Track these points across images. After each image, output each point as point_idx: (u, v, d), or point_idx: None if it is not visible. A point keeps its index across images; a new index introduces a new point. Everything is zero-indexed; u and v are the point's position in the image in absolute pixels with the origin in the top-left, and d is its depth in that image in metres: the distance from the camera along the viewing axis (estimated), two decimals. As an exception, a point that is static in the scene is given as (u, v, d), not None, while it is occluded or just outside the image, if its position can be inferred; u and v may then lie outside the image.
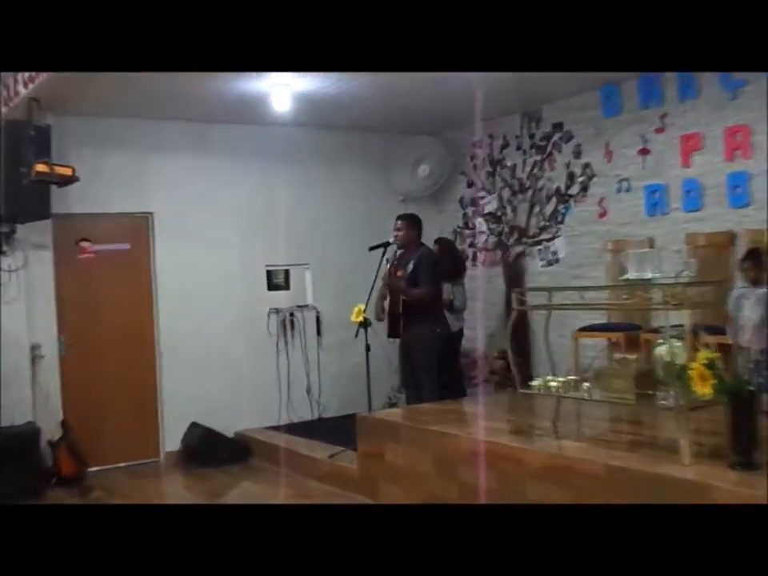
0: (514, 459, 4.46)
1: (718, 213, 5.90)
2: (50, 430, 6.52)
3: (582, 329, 6.26)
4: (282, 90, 6.08)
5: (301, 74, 5.50)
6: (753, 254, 5.07)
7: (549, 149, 7.06)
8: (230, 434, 7.25)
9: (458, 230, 8.00)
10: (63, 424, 6.61)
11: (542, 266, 7.13)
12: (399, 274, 6.21)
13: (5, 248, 6.46)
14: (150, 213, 7.13)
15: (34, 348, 6.61)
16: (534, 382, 5.00)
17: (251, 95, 6.29)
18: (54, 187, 6.03)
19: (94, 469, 6.65)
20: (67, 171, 5.77)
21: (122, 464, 6.97)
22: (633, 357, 4.95)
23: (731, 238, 5.79)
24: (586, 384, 4.71)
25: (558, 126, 6.98)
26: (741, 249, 5.58)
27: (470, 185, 7.78)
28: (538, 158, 7.16)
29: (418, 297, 6.03)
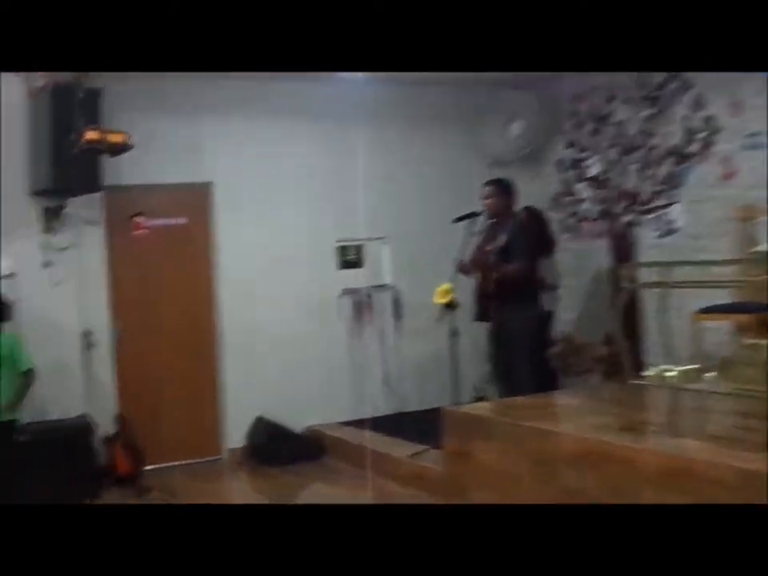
0: (624, 460, 4.34)
1: None
2: (104, 425, 6.68)
3: (704, 310, 6.03)
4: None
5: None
6: None
7: (662, 101, 6.83)
8: (299, 429, 7.33)
9: (556, 197, 7.82)
10: (118, 418, 6.76)
11: (656, 238, 6.91)
12: (489, 248, 6.11)
13: (53, 225, 6.62)
14: (209, 182, 7.20)
15: (86, 335, 6.76)
16: (648, 372, 4.88)
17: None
18: (105, 157, 6.14)
19: (152, 467, 6.78)
20: (120, 138, 5.84)
21: (181, 462, 7.09)
22: (765, 342, 4.79)
23: None
24: (710, 374, 4.58)
25: (673, 75, 6.74)
26: None
27: (570, 145, 7.59)
28: (651, 111, 6.92)
29: (513, 274, 5.91)
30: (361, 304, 7.66)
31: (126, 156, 6.14)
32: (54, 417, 6.51)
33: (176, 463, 7.06)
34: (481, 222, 6.24)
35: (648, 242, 7.00)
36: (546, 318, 6.75)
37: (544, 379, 6.42)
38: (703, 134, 6.45)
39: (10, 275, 6.50)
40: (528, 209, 7.13)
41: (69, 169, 6.00)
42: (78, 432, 6.35)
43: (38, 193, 6.42)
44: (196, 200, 7.22)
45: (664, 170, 6.83)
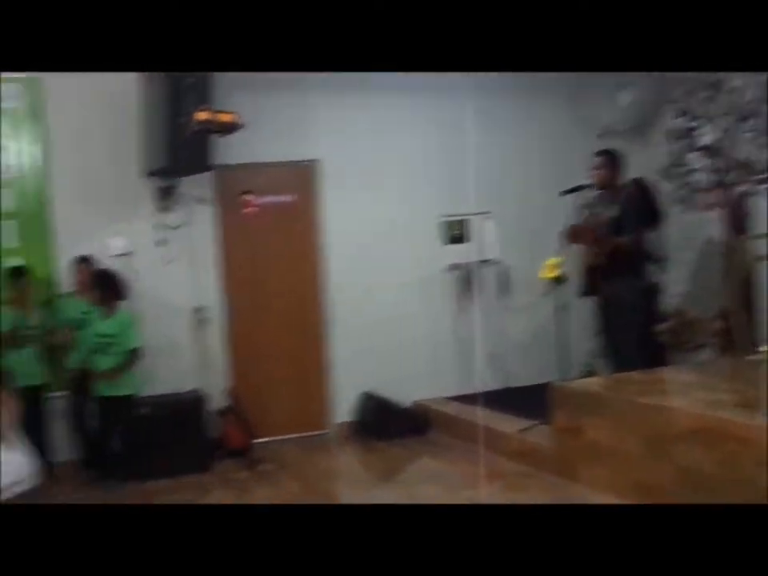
0: (740, 438, 4.21)
1: None
2: (216, 399, 6.82)
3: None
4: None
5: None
6: None
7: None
8: (406, 404, 7.34)
9: (667, 167, 7.58)
10: (229, 392, 6.89)
11: (774, 208, 6.65)
12: (597, 220, 5.97)
13: (167, 204, 6.76)
14: (316, 160, 7.23)
15: (197, 311, 6.89)
16: (764, 347, 4.72)
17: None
18: (215, 136, 6.23)
19: (262, 440, 6.89)
20: (229, 118, 5.92)
21: (289, 435, 7.21)
22: None
23: None
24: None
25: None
26: None
27: (682, 113, 7.33)
28: None
29: (623, 247, 5.76)
30: (466, 279, 7.60)
31: (235, 136, 6.25)
32: (167, 391, 6.69)
33: (285, 437, 7.18)
34: (588, 195, 6.10)
35: (764, 213, 6.74)
36: (655, 290, 6.57)
37: (653, 354, 6.27)
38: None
39: (126, 254, 6.69)
40: (636, 180, 6.94)
41: (181, 149, 6.11)
42: (191, 405, 6.53)
43: (151, 173, 6.56)
44: (303, 178, 7.27)
45: (780, 135, 6.55)
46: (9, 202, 6.48)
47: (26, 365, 6.10)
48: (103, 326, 6.14)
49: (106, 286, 6.31)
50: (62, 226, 6.57)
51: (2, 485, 4.13)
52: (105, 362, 6.25)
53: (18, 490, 4.22)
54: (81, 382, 6.36)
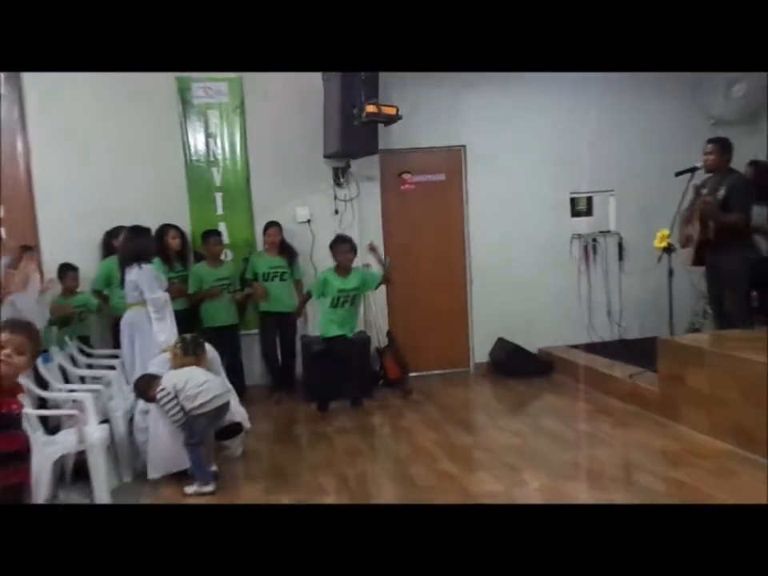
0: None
1: None
2: (378, 339, 7.02)
3: None
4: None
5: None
6: None
7: None
8: (533, 350, 7.33)
9: (774, 152, 7.18)
10: (389, 334, 7.07)
11: None
12: (708, 200, 5.75)
13: (341, 181, 6.96)
14: (463, 146, 7.26)
15: (365, 268, 7.08)
16: None
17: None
18: (380, 125, 6.35)
19: (414, 374, 7.03)
20: (392, 110, 6.03)
21: (436, 371, 7.34)
22: None
23: None
24: None
25: None
26: None
27: (787, 105, 6.92)
28: None
29: (732, 223, 5.53)
30: (588, 247, 7.51)
31: (396, 125, 6.35)
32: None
33: (432, 372, 7.32)
34: (699, 176, 5.88)
35: None
36: (763, 262, 6.27)
37: (760, 316, 6.03)
38: None
39: (308, 221, 6.94)
40: (756, 161, 6.60)
41: (352, 136, 6.26)
42: (359, 344, 6.66)
43: (329, 156, 6.76)
44: (452, 160, 7.30)
45: None
46: (217, 179, 6.84)
47: (221, 310, 6.47)
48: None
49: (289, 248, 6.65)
50: (257, 197, 6.86)
51: (208, 396, 4.46)
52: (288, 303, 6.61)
53: (219, 402, 4.53)
54: (269, 322, 6.68)
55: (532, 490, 4.22)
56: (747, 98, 7.20)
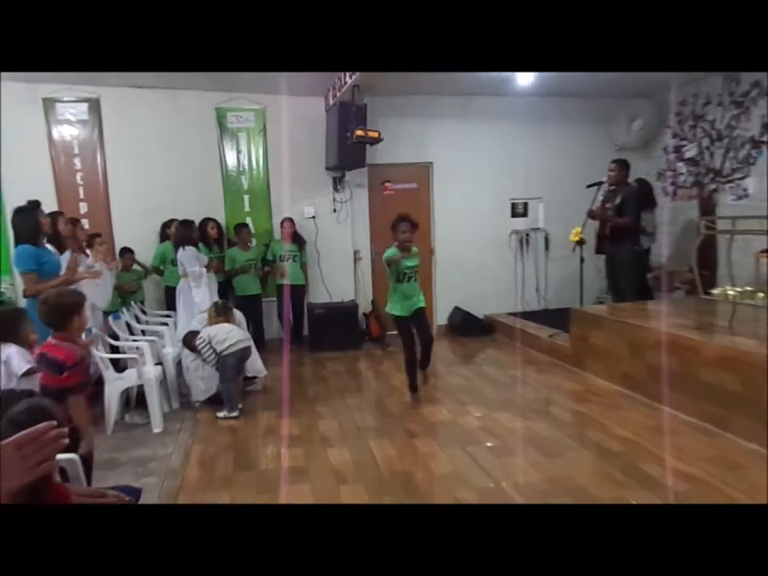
0: (693, 349, 4.12)
1: None
2: (365, 305, 7.08)
3: (765, 250, 5.49)
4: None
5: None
6: None
7: (746, 104, 6.10)
8: (480, 316, 7.38)
9: (662, 172, 7.25)
10: (372, 302, 7.12)
11: (732, 200, 6.29)
12: (608, 206, 5.83)
13: (338, 187, 6.97)
14: (431, 162, 7.26)
15: (356, 253, 7.14)
16: (715, 290, 4.54)
17: (502, 74, 6.09)
18: (367, 146, 6.36)
19: (391, 333, 6.99)
20: (375, 134, 6.03)
21: (409, 331, 7.40)
22: (807, 275, 4.31)
23: None
24: (761, 294, 4.20)
25: (755, 84, 5.98)
26: None
27: (674, 136, 6.98)
28: (736, 111, 6.20)
29: (623, 224, 5.63)
30: (522, 240, 7.55)
31: (380, 145, 6.36)
32: (336, 300, 6.98)
33: (405, 331, 7.36)
34: (604, 188, 5.94)
35: (726, 203, 6.39)
36: (645, 252, 6.38)
37: (643, 293, 6.13)
38: (774, 127, 5.72)
39: (313, 217, 6.96)
40: (640, 179, 6.69)
41: (347, 153, 6.28)
42: (350, 309, 6.79)
43: (329, 168, 6.76)
44: (422, 173, 7.30)
45: (742, 153, 6.15)
46: (245, 184, 6.84)
47: (249, 282, 6.51)
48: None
49: (300, 237, 6.65)
50: (275, 199, 6.86)
51: (234, 340, 4.53)
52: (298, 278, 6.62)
53: (242, 345, 4.60)
54: (284, 293, 6.71)
55: (474, 418, 4.30)
56: (643, 130, 7.25)
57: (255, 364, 5.04)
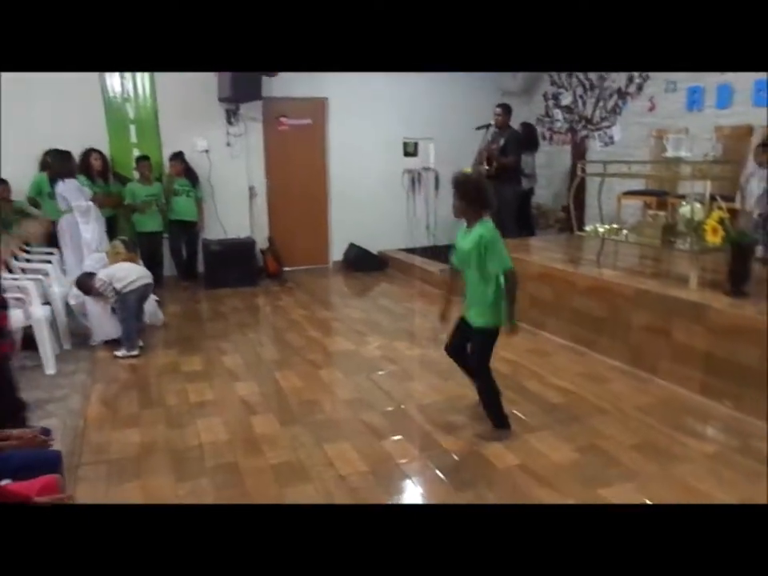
0: (567, 280, 4.47)
1: (742, 110, 5.38)
2: (261, 242, 6.92)
3: (626, 193, 5.99)
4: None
5: None
6: (765, 143, 4.67)
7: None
8: (375, 251, 7.45)
9: (540, 117, 7.55)
10: (269, 239, 6.99)
11: (600, 147, 6.71)
12: (494, 147, 6.03)
13: (232, 120, 6.64)
14: (326, 97, 7.07)
15: (251, 188, 6.90)
16: (586, 228, 4.90)
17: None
18: (264, 77, 6.07)
19: (288, 269, 7.03)
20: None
21: (304, 267, 7.35)
22: (661, 214, 4.76)
23: (750, 130, 5.29)
24: (625, 231, 4.60)
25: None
26: (756, 139, 5.11)
27: (553, 83, 7.24)
28: (607, 63, 6.55)
29: (506, 163, 5.87)
30: (414, 179, 7.63)
31: (275, 78, 6.13)
32: (231, 236, 6.76)
33: (302, 267, 7.30)
34: (491, 131, 6.13)
35: (595, 149, 6.82)
36: (527, 193, 6.73)
37: (526, 230, 6.49)
38: (638, 81, 6.12)
39: (206, 150, 6.61)
40: (525, 123, 6.96)
41: (241, 84, 5.98)
42: (246, 246, 6.61)
43: (222, 99, 6.41)
44: (317, 108, 7.10)
45: (610, 103, 6.54)
46: (131, 113, 6.32)
47: (150, 219, 6.14)
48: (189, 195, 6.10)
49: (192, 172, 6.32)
50: (164, 129, 6.43)
51: (134, 277, 4.31)
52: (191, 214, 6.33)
53: (142, 282, 4.39)
54: (176, 229, 6.41)
55: (374, 348, 4.44)
56: (526, 77, 7.47)
57: (154, 311, 4.88)
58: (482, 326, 2.95)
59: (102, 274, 4.29)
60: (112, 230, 5.75)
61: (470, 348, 3.05)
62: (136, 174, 6.17)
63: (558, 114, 7.17)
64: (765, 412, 3.07)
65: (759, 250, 4.34)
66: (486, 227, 2.93)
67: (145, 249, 5.87)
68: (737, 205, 4.73)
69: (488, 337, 2.96)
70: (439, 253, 6.95)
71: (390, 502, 2.49)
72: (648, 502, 2.45)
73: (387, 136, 7.36)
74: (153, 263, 5.70)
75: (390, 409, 3.38)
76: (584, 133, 6.88)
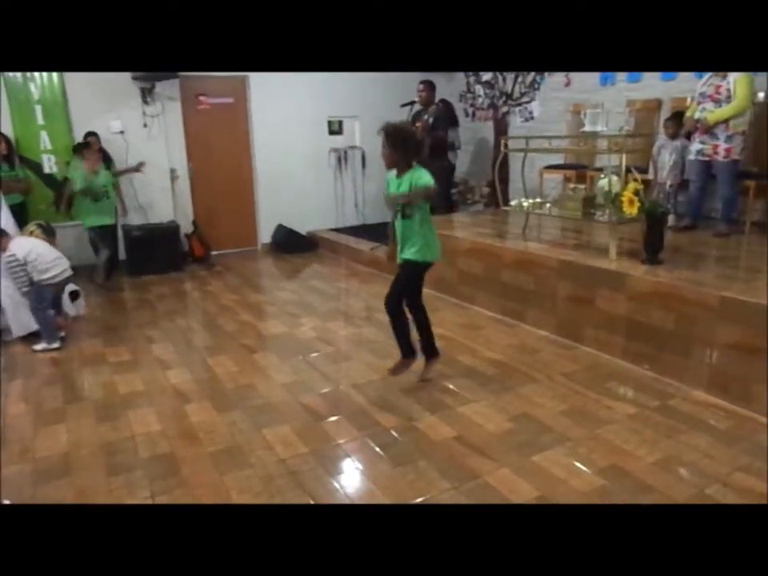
0: (495, 254, 4.56)
1: (651, 84, 5.62)
2: (185, 226, 6.68)
3: (547, 167, 6.17)
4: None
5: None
6: (674, 116, 4.92)
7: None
8: (303, 232, 7.37)
9: (463, 93, 7.62)
10: (194, 222, 6.76)
11: (521, 122, 6.82)
12: (419, 124, 6.04)
13: (147, 99, 6.32)
14: (247, 75, 6.85)
15: (172, 171, 6.63)
16: (512, 203, 5.02)
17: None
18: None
19: (215, 252, 6.84)
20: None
21: (232, 250, 7.18)
22: (581, 187, 4.94)
23: (659, 103, 5.55)
24: (548, 204, 4.74)
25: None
26: (665, 112, 5.37)
27: (474, 60, 7.33)
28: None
29: (437, 138, 5.88)
30: (341, 157, 7.57)
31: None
32: (154, 221, 6.49)
33: (229, 250, 7.14)
34: (415, 108, 6.13)
35: (516, 124, 6.95)
36: (452, 168, 6.78)
37: (449, 205, 6.56)
38: (556, 57, 6.26)
39: (121, 132, 6.27)
40: (443, 100, 6.98)
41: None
42: (170, 230, 6.37)
43: (136, 78, 6.08)
44: (238, 87, 6.88)
45: (529, 78, 6.66)
46: (35, 93, 5.89)
47: (106, 211, 5.62)
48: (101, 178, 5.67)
49: (107, 154, 5.96)
50: (74, 110, 6.05)
51: (58, 270, 4.05)
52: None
53: (66, 275, 4.13)
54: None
55: (308, 329, 4.40)
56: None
57: (77, 302, 4.64)
58: (410, 259, 3.15)
59: (18, 249, 3.91)
60: (22, 219, 5.35)
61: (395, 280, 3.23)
62: (77, 159, 5.57)
63: (479, 89, 7.24)
64: (679, 373, 3.27)
65: (671, 219, 4.60)
66: (418, 171, 3.04)
67: (103, 244, 5.53)
68: (649, 176, 4.97)
69: (415, 269, 3.18)
70: (369, 231, 6.96)
71: (331, 482, 2.49)
72: (578, 464, 2.56)
73: (312, 114, 7.23)
74: (109, 258, 5.60)
75: (327, 390, 3.37)
76: (505, 109, 6.99)
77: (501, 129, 6.98)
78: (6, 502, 1.64)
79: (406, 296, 3.22)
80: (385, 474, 2.54)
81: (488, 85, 7.11)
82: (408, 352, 3.31)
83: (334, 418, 3.03)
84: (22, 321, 4.19)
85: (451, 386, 3.33)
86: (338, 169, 7.56)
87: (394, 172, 3.15)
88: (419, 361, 3.38)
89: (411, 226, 3.13)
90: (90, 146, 5.64)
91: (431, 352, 3.36)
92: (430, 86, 6.13)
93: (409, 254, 3.17)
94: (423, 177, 2.99)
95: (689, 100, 4.97)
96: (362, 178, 7.67)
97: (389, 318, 3.25)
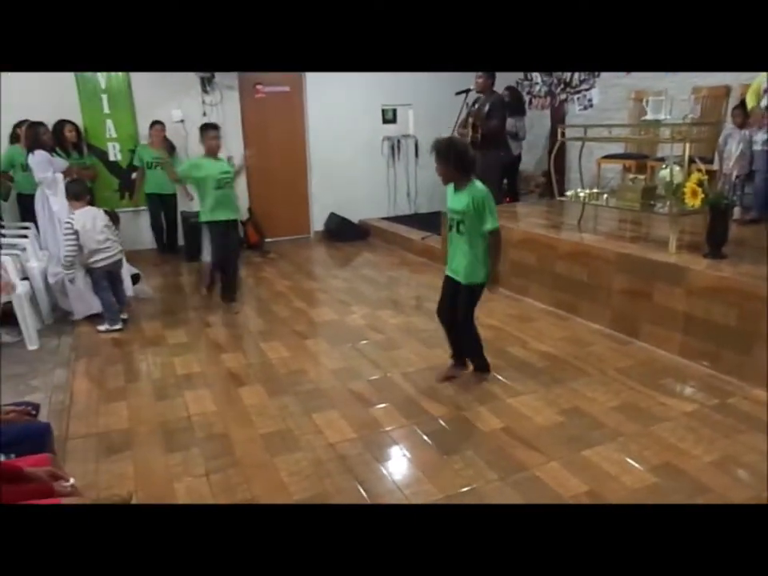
0: (549, 245, 4.49)
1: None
2: (242, 214, 6.80)
3: (605, 156, 5.99)
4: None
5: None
6: (742, 104, 4.68)
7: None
8: (355, 220, 7.40)
9: (520, 81, 7.47)
10: (250, 210, 6.91)
11: (579, 110, 6.66)
12: (477, 112, 5.96)
13: (207, 89, 6.47)
14: (302, 65, 6.92)
15: (229, 158, 6.70)
16: (568, 193, 4.91)
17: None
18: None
19: (269, 239, 6.97)
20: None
21: (286, 237, 7.30)
22: (641, 177, 4.78)
23: (727, 90, 5.29)
24: (605, 195, 4.62)
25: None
26: (733, 100, 5.12)
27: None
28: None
29: (492, 128, 5.79)
30: (394, 146, 7.56)
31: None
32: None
33: (283, 238, 7.25)
34: (472, 96, 6.04)
35: (574, 113, 6.77)
36: (517, 158, 6.67)
37: (513, 196, 6.49)
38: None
39: (182, 121, 6.45)
40: (510, 87, 6.86)
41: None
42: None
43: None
44: (295, 76, 6.95)
45: (590, 65, 6.49)
46: (102, 83, 6.13)
47: (162, 180, 6.09)
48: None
49: (169, 142, 6.16)
50: (138, 99, 6.26)
51: (106, 254, 4.21)
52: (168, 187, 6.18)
53: (114, 259, 4.29)
54: (154, 201, 6.29)
55: (359, 317, 4.44)
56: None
57: (138, 285, 4.86)
58: (469, 283, 3.12)
59: (78, 219, 4.15)
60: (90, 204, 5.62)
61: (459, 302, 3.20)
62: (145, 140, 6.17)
63: (536, 77, 7.08)
64: (740, 371, 3.15)
65: (737, 212, 4.40)
66: (476, 187, 3.01)
67: (155, 210, 6.23)
68: (715, 167, 4.77)
69: (475, 293, 3.17)
70: (421, 220, 6.94)
71: (379, 468, 2.52)
72: (630, 461, 2.51)
73: (365, 103, 7.25)
74: (167, 225, 6.27)
75: (375, 377, 3.40)
76: (563, 96, 6.81)
77: (558, 117, 6.83)
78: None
79: (460, 313, 3.21)
80: (432, 462, 2.56)
81: (546, 72, 6.95)
82: (459, 360, 3.38)
83: (382, 405, 3.06)
84: (85, 302, 4.41)
85: (501, 378, 3.31)
86: (391, 157, 7.56)
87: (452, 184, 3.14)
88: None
89: (459, 243, 3.12)
90: (157, 125, 6.06)
91: (480, 366, 3.36)
92: (488, 74, 6.02)
93: (457, 273, 3.17)
94: (479, 193, 2.98)
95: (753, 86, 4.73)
96: (414, 167, 7.65)
97: (443, 327, 3.35)
